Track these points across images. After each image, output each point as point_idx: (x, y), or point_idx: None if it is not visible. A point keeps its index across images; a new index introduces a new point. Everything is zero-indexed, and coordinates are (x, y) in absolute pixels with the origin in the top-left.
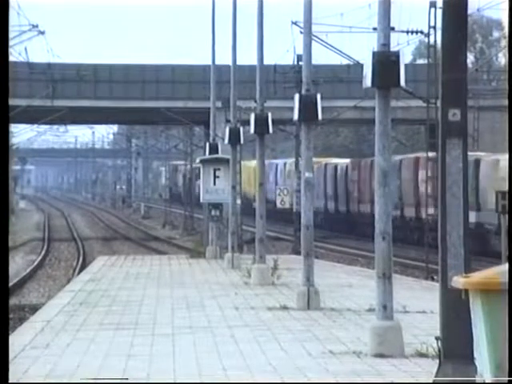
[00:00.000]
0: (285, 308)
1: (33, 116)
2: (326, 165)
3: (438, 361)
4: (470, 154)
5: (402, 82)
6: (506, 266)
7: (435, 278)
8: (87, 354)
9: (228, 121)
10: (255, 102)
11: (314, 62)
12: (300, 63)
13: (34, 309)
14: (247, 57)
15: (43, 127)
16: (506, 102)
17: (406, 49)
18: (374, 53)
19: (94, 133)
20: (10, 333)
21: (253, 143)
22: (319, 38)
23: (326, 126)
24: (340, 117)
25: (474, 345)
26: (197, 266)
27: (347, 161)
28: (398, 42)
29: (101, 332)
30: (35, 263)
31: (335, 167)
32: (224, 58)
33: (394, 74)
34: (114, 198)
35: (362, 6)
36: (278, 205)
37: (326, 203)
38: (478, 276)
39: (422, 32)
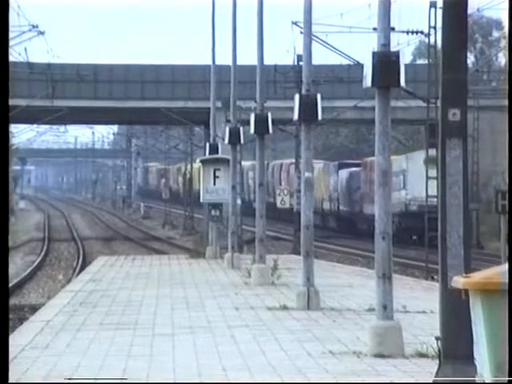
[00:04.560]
0: (285, 308)
1: (33, 116)
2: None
3: (437, 361)
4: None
5: (402, 82)
6: (505, 266)
7: (435, 277)
8: (87, 354)
9: (228, 121)
10: (255, 102)
11: (314, 62)
12: (300, 63)
13: (34, 309)
14: (247, 57)
15: (43, 127)
16: (506, 102)
17: (406, 49)
18: (374, 53)
19: (93, 133)
20: (10, 333)
21: (253, 143)
22: (319, 38)
23: (326, 126)
24: (340, 117)
25: (473, 345)
26: (197, 266)
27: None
28: (398, 42)
29: (101, 332)
30: (35, 263)
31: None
32: (224, 58)
33: (394, 74)
34: (114, 198)
35: (361, 6)
36: (278, 205)
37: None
38: (477, 276)
39: (422, 32)
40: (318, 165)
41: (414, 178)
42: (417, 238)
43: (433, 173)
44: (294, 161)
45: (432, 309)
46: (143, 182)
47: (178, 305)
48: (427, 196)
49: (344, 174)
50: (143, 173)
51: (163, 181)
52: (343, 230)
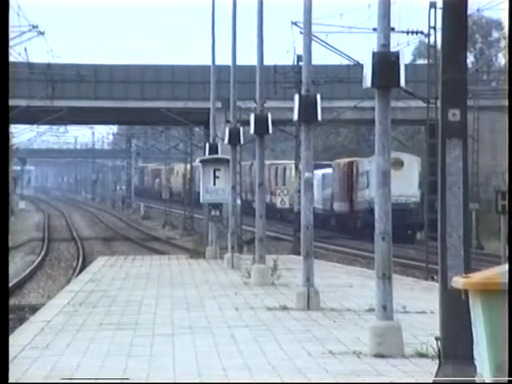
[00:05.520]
0: (285, 308)
1: (33, 116)
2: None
3: (437, 361)
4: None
5: (402, 83)
6: (505, 267)
7: (435, 278)
8: (87, 354)
9: (228, 121)
10: (255, 102)
11: (313, 62)
12: (300, 63)
13: (34, 309)
14: (247, 57)
15: (43, 127)
16: (505, 102)
17: (406, 49)
18: (373, 53)
19: (93, 133)
20: (10, 333)
21: (253, 143)
22: (319, 39)
23: (326, 126)
24: (340, 117)
25: (473, 345)
26: (197, 266)
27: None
28: (397, 43)
29: (101, 332)
30: (35, 263)
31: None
32: (224, 58)
33: (394, 74)
34: (114, 198)
35: (361, 7)
36: (278, 205)
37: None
38: (477, 276)
39: (422, 32)
40: (292, 165)
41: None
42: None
43: (395, 175)
44: (274, 162)
45: (432, 309)
46: (139, 182)
47: (178, 305)
48: (428, 195)
49: (317, 174)
50: (139, 173)
51: (157, 181)
52: (316, 226)
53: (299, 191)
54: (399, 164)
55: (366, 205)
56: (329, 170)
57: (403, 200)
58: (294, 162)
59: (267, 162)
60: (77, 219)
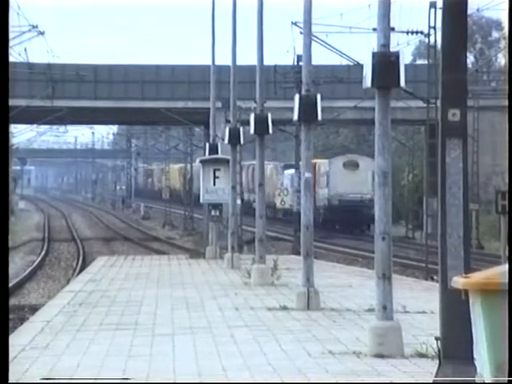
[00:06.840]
0: (285, 308)
1: (33, 116)
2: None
3: (437, 361)
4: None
5: (402, 83)
6: (505, 266)
7: (435, 278)
8: (87, 354)
9: (228, 121)
10: (255, 102)
11: (313, 62)
12: (300, 63)
13: (34, 309)
14: (247, 57)
15: (43, 127)
16: (505, 102)
17: (405, 49)
18: (373, 53)
19: (93, 133)
20: (10, 333)
21: (253, 143)
22: (319, 39)
23: (326, 126)
24: (340, 117)
25: (473, 345)
26: (196, 267)
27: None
28: (397, 43)
29: (101, 332)
30: (35, 264)
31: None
32: (224, 58)
33: (394, 74)
34: (114, 198)
35: (361, 7)
36: (278, 205)
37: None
38: (477, 276)
39: (421, 32)
40: (270, 165)
41: (335, 178)
42: (338, 227)
43: (351, 176)
44: (253, 162)
45: (432, 309)
46: (134, 182)
47: (178, 305)
48: (427, 195)
49: (287, 174)
50: (134, 173)
51: (150, 180)
52: (288, 221)
53: (298, 191)
54: (355, 165)
55: (326, 202)
56: (295, 171)
57: (359, 197)
58: (270, 162)
59: (246, 163)
60: (77, 219)
